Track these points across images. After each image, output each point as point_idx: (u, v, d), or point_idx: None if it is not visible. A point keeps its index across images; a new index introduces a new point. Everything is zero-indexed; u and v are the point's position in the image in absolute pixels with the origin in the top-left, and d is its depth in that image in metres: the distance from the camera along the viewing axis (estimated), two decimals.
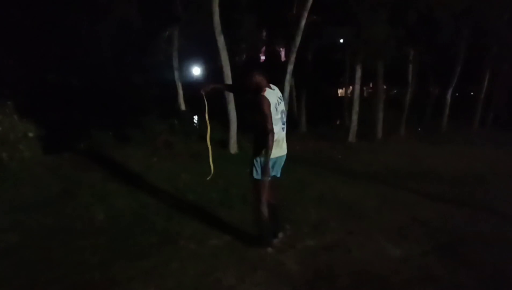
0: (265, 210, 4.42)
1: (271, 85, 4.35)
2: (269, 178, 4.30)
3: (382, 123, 14.93)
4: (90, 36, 14.55)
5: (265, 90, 4.21)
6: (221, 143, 9.60)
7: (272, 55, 19.11)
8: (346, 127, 15.45)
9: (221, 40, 9.76)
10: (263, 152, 4.16)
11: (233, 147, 10.06)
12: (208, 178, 4.84)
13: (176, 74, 13.24)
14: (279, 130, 4.26)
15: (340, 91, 30.99)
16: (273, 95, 4.25)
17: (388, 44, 11.95)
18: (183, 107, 11.86)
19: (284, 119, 4.38)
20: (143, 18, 12.92)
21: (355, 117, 13.96)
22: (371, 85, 24.78)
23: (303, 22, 11.16)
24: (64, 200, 6.62)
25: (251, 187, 4.54)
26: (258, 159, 4.27)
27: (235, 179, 7.42)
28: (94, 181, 7.67)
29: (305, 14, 11.12)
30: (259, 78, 4.22)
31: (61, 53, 32.02)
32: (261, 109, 4.07)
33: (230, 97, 9.94)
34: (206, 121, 4.67)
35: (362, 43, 12.18)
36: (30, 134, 8.24)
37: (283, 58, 19.32)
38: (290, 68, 11.48)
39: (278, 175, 4.53)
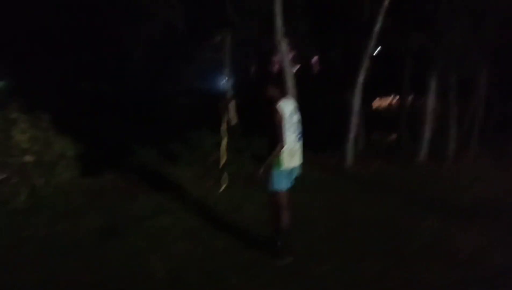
0: (286, 218, 4.54)
1: (287, 97, 4.55)
2: (286, 189, 4.53)
3: (455, 141, 13.16)
4: (129, 41, 13.33)
5: (279, 101, 4.38)
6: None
7: (325, 65, 17.60)
8: (405, 143, 13.74)
9: (284, 44, 8.45)
10: (275, 161, 4.34)
11: None
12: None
13: (227, 83, 11.63)
14: (294, 140, 4.47)
15: (379, 102, 29.17)
16: (288, 105, 4.44)
17: (470, 53, 10.32)
18: (234, 120, 10.28)
19: (300, 130, 4.56)
20: (189, 22, 11.61)
21: (428, 133, 12.22)
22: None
23: (377, 27, 9.64)
24: (108, 243, 5.27)
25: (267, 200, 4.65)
26: (274, 170, 4.39)
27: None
28: (143, 214, 6.31)
29: (380, 18, 9.62)
30: (273, 91, 4.43)
31: (96, 60, 31.44)
32: (274, 120, 4.24)
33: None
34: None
35: (442, 51, 10.57)
36: (69, 153, 6.94)
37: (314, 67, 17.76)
38: (361, 78, 10.00)
39: (290, 186, 4.62)
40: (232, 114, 10.50)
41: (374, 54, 11.99)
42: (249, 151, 8.73)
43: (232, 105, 10.59)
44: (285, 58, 8.60)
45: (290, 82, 8.95)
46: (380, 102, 27.15)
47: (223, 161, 5.15)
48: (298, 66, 17.17)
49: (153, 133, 11.29)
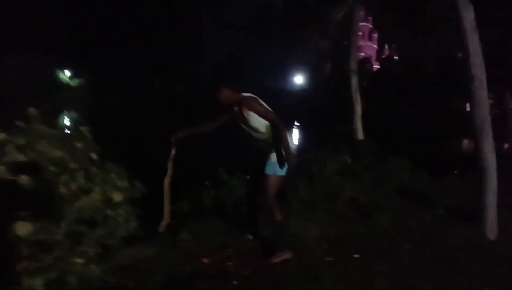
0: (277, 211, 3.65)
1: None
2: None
3: None
4: (210, 31, 11.63)
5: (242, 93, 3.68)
6: None
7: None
8: None
9: (470, 16, 4.79)
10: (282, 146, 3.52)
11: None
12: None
13: (354, 81, 8.26)
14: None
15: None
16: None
17: None
18: (361, 135, 7.85)
19: None
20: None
21: None
22: None
23: None
24: None
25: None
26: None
27: None
28: None
29: None
30: (227, 91, 3.64)
31: (171, 59, 30.84)
32: (254, 109, 3.58)
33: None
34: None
35: None
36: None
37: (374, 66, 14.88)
38: None
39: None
40: (357, 126, 8.27)
41: None
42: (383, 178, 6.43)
43: (358, 115, 8.44)
44: (472, 38, 4.71)
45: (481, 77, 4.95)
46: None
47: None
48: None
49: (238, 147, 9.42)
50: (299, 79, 26.29)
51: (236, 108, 3.68)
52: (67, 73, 37.75)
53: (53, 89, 31.98)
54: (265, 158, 3.67)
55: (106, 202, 3.59)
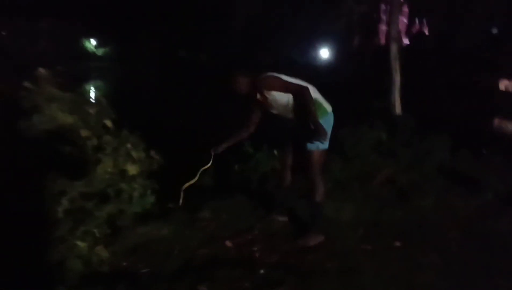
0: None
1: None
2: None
3: None
4: None
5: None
6: None
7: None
8: None
9: None
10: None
11: None
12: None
13: (393, 49, 7.26)
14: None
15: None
16: None
17: None
18: (398, 109, 7.19)
19: None
20: None
21: None
22: None
23: None
24: None
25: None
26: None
27: None
28: None
29: None
30: (243, 79, 3.34)
31: (197, 27, 30.35)
32: (274, 87, 3.25)
33: None
34: None
35: None
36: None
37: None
38: None
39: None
40: (395, 98, 7.59)
41: None
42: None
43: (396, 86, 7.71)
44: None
45: None
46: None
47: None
48: None
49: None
50: (329, 51, 25.39)
51: (258, 95, 3.35)
52: (93, 42, 37.64)
53: (79, 57, 31.94)
54: (305, 133, 3.29)
55: (119, 175, 3.25)
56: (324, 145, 3.28)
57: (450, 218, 4.06)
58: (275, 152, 5.21)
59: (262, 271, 2.74)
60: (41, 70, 3.54)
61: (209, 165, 3.70)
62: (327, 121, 3.32)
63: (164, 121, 9.11)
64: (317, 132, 3.13)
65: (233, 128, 3.69)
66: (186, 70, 27.18)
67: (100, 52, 37.63)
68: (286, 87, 3.26)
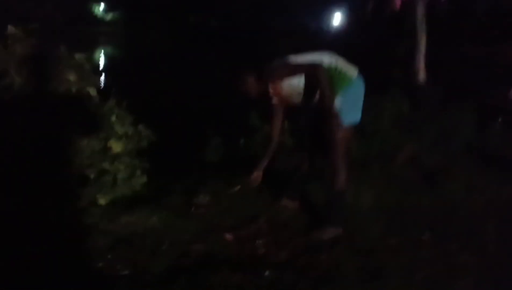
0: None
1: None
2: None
3: None
4: None
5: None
6: None
7: None
8: None
9: None
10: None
11: None
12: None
13: (419, 10, 6.52)
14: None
15: None
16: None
17: None
18: (422, 78, 6.46)
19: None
20: None
21: None
22: None
23: None
24: None
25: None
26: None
27: None
28: None
29: None
30: (251, 80, 2.89)
31: None
32: (284, 76, 2.83)
33: None
34: None
35: None
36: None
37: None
38: None
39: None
40: (419, 66, 6.90)
41: None
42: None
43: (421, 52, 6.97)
44: None
45: None
46: None
47: None
48: None
49: None
50: (343, 13, 24.31)
51: (271, 91, 2.93)
52: (102, 6, 36.80)
53: (87, 22, 31.26)
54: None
55: (101, 153, 2.77)
56: (350, 119, 2.83)
57: (484, 206, 3.55)
58: (285, 123, 4.71)
59: (267, 273, 2.28)
60: (12, 29, 3.02)
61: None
62: (352, 92, 2.85)
63: (165, 93, 8.52)
64: (329, 119, 2.72)
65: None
66: (195, 37, 26.43)
67: (108, 17, 36.85)
68: (295, 70, 2.87)
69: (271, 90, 2.92)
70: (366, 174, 3.83)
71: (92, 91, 3.00)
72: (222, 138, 4.30)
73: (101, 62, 17.42)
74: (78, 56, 3.09)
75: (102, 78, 10.11)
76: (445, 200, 3.53)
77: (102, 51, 22.69)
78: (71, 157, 2.56)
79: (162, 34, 27.52)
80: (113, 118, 2.86)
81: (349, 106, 2.84)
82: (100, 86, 3.10)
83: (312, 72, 2.77)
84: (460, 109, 5.49)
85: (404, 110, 5.37)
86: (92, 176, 2.63)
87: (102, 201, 2.66)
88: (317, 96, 2.86)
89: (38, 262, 2.10)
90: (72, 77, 2.99)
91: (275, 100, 2.96)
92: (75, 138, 2.68)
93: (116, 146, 2.77)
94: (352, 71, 2.88)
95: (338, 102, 2.79)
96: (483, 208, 3.49)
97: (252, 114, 4.61)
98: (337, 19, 25.89)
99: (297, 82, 2.89)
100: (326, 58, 2.85)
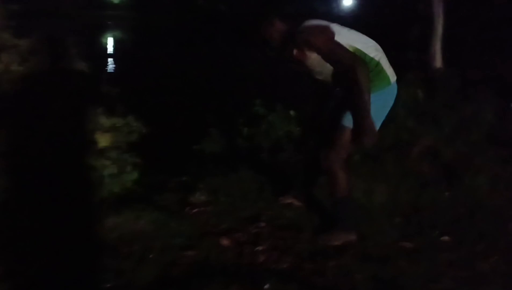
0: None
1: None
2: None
3: None
4: None
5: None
6: None
7: None
8: None
9: None
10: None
11: None
12: None
13: None
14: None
15: None
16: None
17: None
18: (439, 62, 6.13)
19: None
20: None
21: None
22: None
23: None
24: None
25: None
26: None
27: None
28: None
29: None
30: (279, 24, 2.45)
31: None
32: (319, 48, 2.34)
33: None
34: None
35: None
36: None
37: None
38: None
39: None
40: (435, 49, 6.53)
41: None
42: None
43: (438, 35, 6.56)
44: None
45: None
46: None
47: None
48: None
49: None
50: None
51: (295, 51, 2.43)
52: None
53: (95, 6, 31.06)
54: (343, 105, 2.50)
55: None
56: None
57: (510, 202, 3.24)
58: (291, 113, 4.40)
59: (267, 286, 2.01)
60: None
61: None
62: (385, 98, 2.54)
63: (168, 79, 8.18)
64: (362, 130, 2.38)
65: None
66: (203, 21, 26.05)
67: (117, 0, 36.73)
68: (332, 50, 2.35)
69: (295, 51, 2.44)
70: (379, 167, 3.52)
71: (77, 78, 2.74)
72: (223, 128, 4.04)
73: (107, 47, 17.20)
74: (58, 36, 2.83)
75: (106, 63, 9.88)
76: (467, 196, 3.23)
77: (109, 35, 22.47)
78: (50, 151, 2.31)
79: (169, 19, 27.28)
80: (99, 108, 2.59)
81: (375, 111, 2.45)
82: (88, 72, 2.82)
83: (351, 65, 2.30)
84: (481, 95, 5.15)
85: (420, 97, 5.04)
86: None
87: None
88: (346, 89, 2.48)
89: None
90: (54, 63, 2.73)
91: (293, 58, 2.48)
92: (57, 130, 2.43)
93: (102, 140, 2.51)
94: (392, 73, 2.54)
95: None
96: (510, 204, 3.19)
97: (256, 101, 4.33)
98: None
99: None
100: (372, 50, 2.46)
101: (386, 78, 2.50)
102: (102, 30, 23.14)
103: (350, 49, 2.37)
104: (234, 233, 2.43)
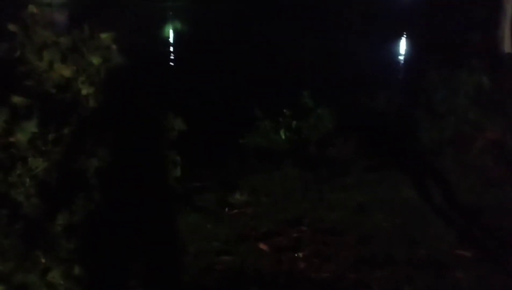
0: None
1: None
2: None
3: None
4: None
5: None
6: None
7: None
8: None
9: None
10: None
11: None
12: None
13: None
14: None
15: None
16: None
17: None
18: (508, 46, 5.63)
19: None
20: None
21: None
22: None
23: None
24: None
25: None
26: None
27: None
28: None
29: None
30: None
31: None
32: None
33: None
34: None
35: None
36: None
37: None
38: None
39: None
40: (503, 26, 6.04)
41: None
42: None
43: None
44: None
45: None
46: None
47: None
48: None
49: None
50: None
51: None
52: None
53: None
54: None
55: None
56: None
57: None
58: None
59: None
60: (32, 8, 2.78)
61: None
62: None
63: (220, 73, 8.04)
64: None
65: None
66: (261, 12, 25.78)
67: None
68: None
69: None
70: (436, 164, 3.26)
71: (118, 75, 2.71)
72: (269, 121, 3.92)
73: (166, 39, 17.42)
74: (104, 36, 2.80)
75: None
76: None
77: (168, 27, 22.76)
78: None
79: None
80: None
81: None
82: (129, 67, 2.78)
83: None
84: None
85: (485, 84, 4.63)
86: None
87: None
88: None
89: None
90: (95, 60, 2.71)
91: None
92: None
93: None
94: None
95: None
96: None
97: (304, 93, 4.15)
98: None
99: None
100: None
101: None
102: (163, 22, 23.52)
103: None
104: (274, 237, 2.31)
